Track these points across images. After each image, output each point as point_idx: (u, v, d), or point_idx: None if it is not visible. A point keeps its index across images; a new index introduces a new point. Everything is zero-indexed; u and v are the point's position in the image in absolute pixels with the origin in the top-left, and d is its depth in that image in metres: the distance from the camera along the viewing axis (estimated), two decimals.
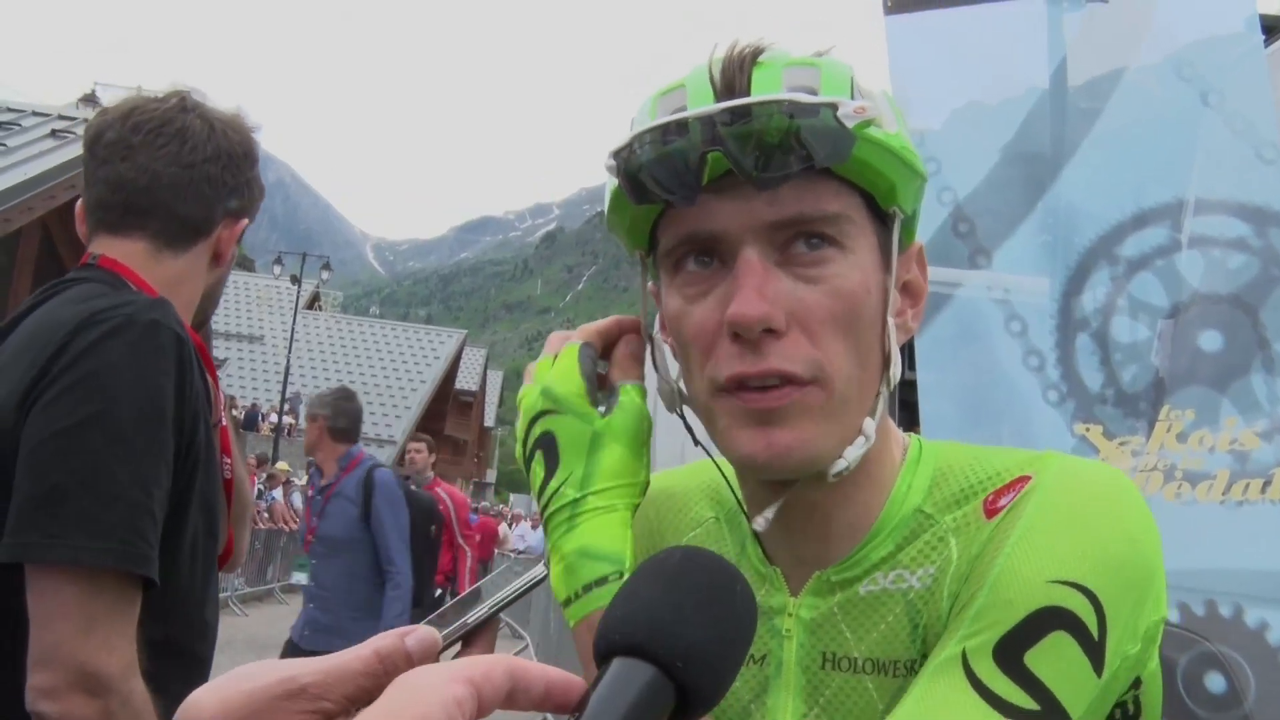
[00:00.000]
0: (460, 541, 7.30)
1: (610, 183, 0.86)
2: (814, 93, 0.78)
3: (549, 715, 0.54)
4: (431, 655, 0.55)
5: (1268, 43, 2.45)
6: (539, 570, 0.61)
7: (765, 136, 0.75)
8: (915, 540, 0.84)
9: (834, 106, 0.76)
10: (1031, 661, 0.71)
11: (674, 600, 0.54)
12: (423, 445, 7.20)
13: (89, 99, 12.65)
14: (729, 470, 0.93)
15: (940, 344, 2.42)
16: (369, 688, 0.52)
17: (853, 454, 0.82)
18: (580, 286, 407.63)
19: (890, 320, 0.84)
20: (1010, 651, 0.72)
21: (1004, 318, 2.35)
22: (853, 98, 0.78)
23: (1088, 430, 2.23)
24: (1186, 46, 2.32)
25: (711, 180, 0.79)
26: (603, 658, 0.52)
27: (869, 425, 0.83)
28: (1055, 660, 0.72)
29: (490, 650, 0.59)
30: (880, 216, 0.84)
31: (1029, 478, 0.80)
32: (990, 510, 0.81)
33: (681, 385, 0.89)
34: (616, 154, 0.82)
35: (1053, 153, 2.41)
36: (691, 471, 1.06)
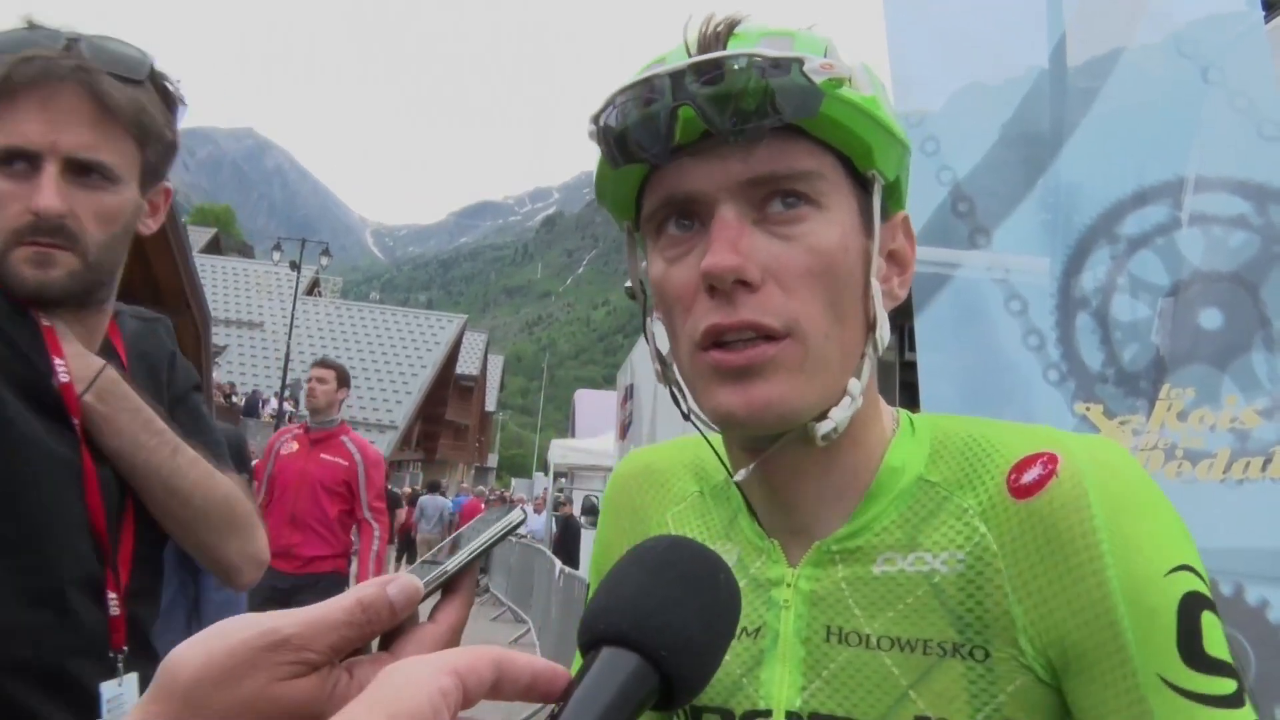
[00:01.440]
0: (367, 515, 5.57)
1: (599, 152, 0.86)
2: None
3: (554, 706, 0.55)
4: (414, 604, 0.56)
5: (1268, 19, 2.44)
6: (516, 515, 0.62)
7: (733, 91, 0.77)
8: (931, 519, 0.84)
9: (800, 62, 0.77)
10: (1208, 648, 0.75)
11: (658, 590, 0.54)
12: (329, 374, 5.48)
13: None
14: (718, 442, 0.93)
15: (940, 324, 2.41)
16: (352, 637, 0.53)
17: (839, 415, 0.82)
18: (580, 270, 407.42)
19: (874, 283, 0.84)
20: (1193, 651, 0.75)
21: (1004, 297, 2.35)
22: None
23: (1088, 409, 2.23)
24: (1187, 24, 2.31)
25: (689, 143, 0.80)
26: (587, 647, 0.53)
27: (854, 386, 0.82)
28: (1217, 637, 0.76)
29: (470, 598, 0.59)
30: (860, 180, 0.84)
31: (1055, 458, 0.80)
32: (1016, 490, 0.81)
33: (668, 356, 0.89)
34: (595, 117, 0.83)
35: (1052, 131, 2.40)
36: (674, 447, 1.05)
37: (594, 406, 22.57)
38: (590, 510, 15.79)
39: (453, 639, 0.58)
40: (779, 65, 0.77)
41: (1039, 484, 0.80)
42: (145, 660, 1.49)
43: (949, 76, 2.54)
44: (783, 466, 0.86)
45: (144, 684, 1.48)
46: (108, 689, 1.39)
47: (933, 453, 0.87)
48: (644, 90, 0.80)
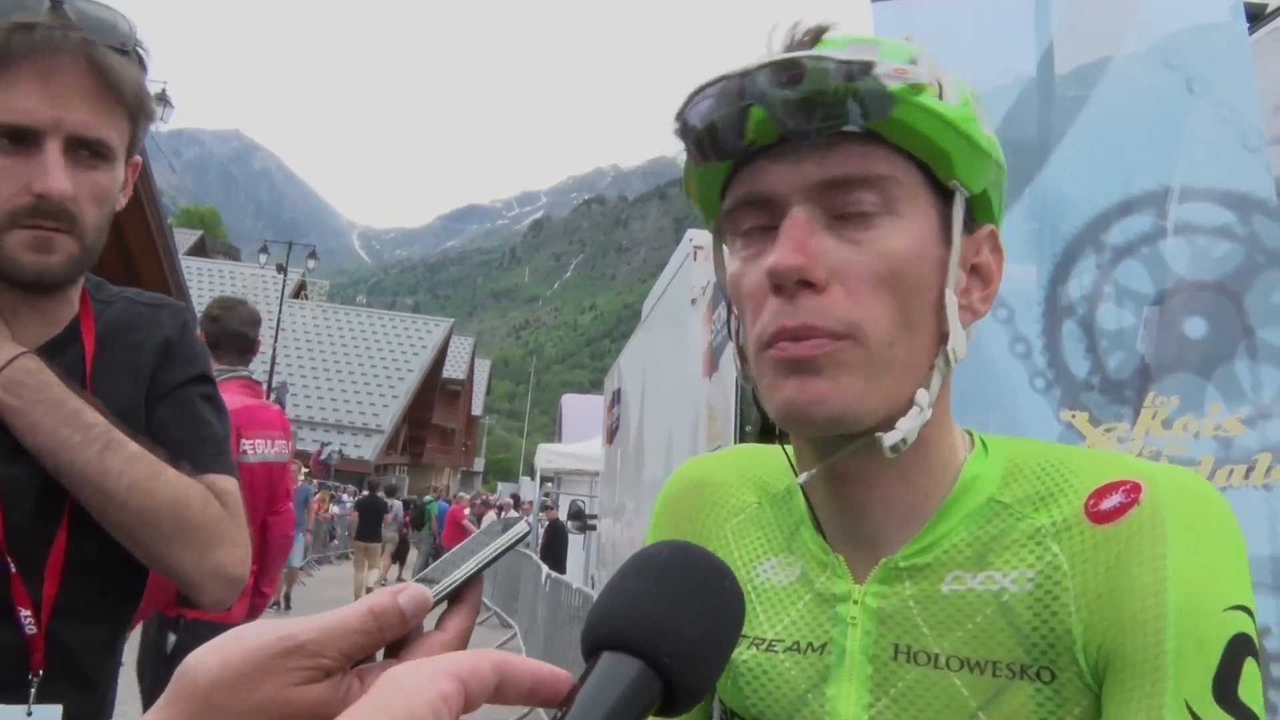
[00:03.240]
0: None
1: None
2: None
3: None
4: (423, 613, 0.57)
5: (1252, 30, 2.46)
6: (521, 527, 0.62)
7: (804, 93, 0.77)
8: (1002, 538, 0.83)
9: (872, 65, 0.77)
10: (1242, 694, 0.73)
11: (662, 595, 0.54)
12: None
13: None
14: (790, 450, 0.92)
15: None
16: (365, 644, 0.54)
17: (907, 425, 0.80)
18: (568, 275, 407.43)
19: (949, 294, 0.83)
20: (1226, 690, 0.73)
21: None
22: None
23: (1074, 417, 2.24)
24: (1172, 34, 2.32)
25: (767, 144, 0.80)
26: (590, 651, 0.52)
27: (922, 396, 0.81)
28: (1253, 687, 0.74)
29: (476, 608, 0.60)
30: (942, 191, 0.83)
31: (1139, 486, 0.80)
32: (1095, 515, 0.80)
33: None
34: (678, 114, 0.84)
35: (1039, 140, 2.41)
36: (730, 459, 1.04)
37: (581, 411, 22.53)
38: (577, 515, 15.74)
39: (460, 647, 0.59)
40: (850, 68, 0.77)
41: (1120, 510, 0.79)
42: (75, 690, 1.33)
43: None
44: (854, 478, 0.85)
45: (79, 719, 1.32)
46: (8, 714, 1.25)
47: (1006, 475, 0.86)
48: (720, 90, 0.80)
